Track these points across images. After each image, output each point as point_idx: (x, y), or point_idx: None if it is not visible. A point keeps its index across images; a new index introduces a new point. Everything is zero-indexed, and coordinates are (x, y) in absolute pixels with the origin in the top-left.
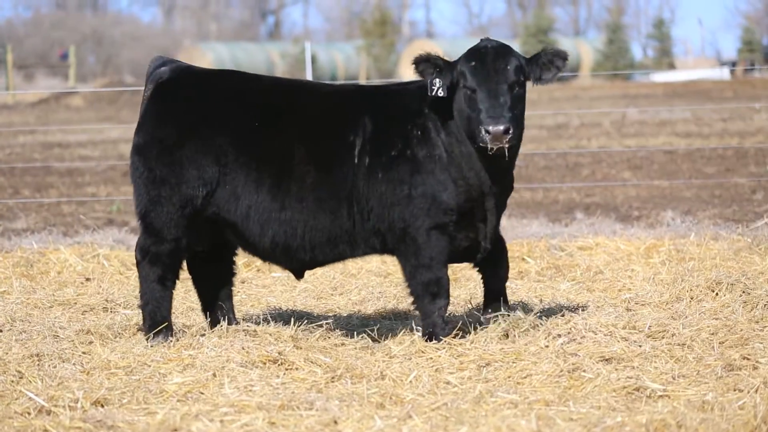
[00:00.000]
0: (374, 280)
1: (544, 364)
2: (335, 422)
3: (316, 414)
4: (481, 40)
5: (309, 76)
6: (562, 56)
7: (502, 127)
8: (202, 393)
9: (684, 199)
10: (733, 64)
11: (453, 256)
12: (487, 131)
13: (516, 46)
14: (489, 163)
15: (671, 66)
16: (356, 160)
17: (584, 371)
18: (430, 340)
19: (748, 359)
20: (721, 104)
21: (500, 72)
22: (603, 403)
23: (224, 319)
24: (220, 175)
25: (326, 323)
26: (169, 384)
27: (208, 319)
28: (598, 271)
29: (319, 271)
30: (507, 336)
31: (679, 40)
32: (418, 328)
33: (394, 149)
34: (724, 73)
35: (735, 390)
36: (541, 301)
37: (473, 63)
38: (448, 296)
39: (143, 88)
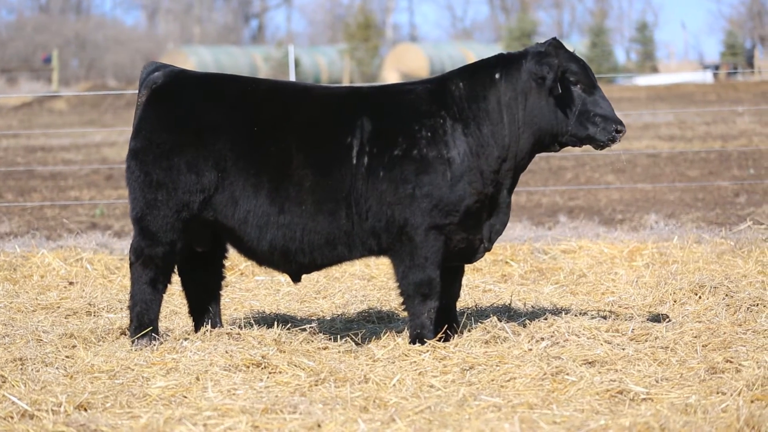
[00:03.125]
0: (358, 283)
1: (527, 367)
2: (319, 426)
3: (300, 417)
4: (554, 39)
5: (293, 80)
6: None
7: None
8: (186, 397)
9: (667, 203)
10: (716, 67)
11: (449, 256)
12: (619, 131)
13: (499, 49)
14: (525, 162)
15: (654, 69)
16: (354, 161)
17: (568, 374)
18: (417, 342)
19: (731, 362)
20: (704, 107)
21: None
22: (586, 406)
23: (209, 323)
24: (218, 180)
25: (310, 327)
26: (152, 388)
27: (194, 323)
28: (581, 274)
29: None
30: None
31: (663, 44)
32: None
33: (398, 149)
34: (707, 77)
35: (718, 393)
36: (524, 304)
37: (581, 63)
38: (438, 298)
39: (127, 92)
